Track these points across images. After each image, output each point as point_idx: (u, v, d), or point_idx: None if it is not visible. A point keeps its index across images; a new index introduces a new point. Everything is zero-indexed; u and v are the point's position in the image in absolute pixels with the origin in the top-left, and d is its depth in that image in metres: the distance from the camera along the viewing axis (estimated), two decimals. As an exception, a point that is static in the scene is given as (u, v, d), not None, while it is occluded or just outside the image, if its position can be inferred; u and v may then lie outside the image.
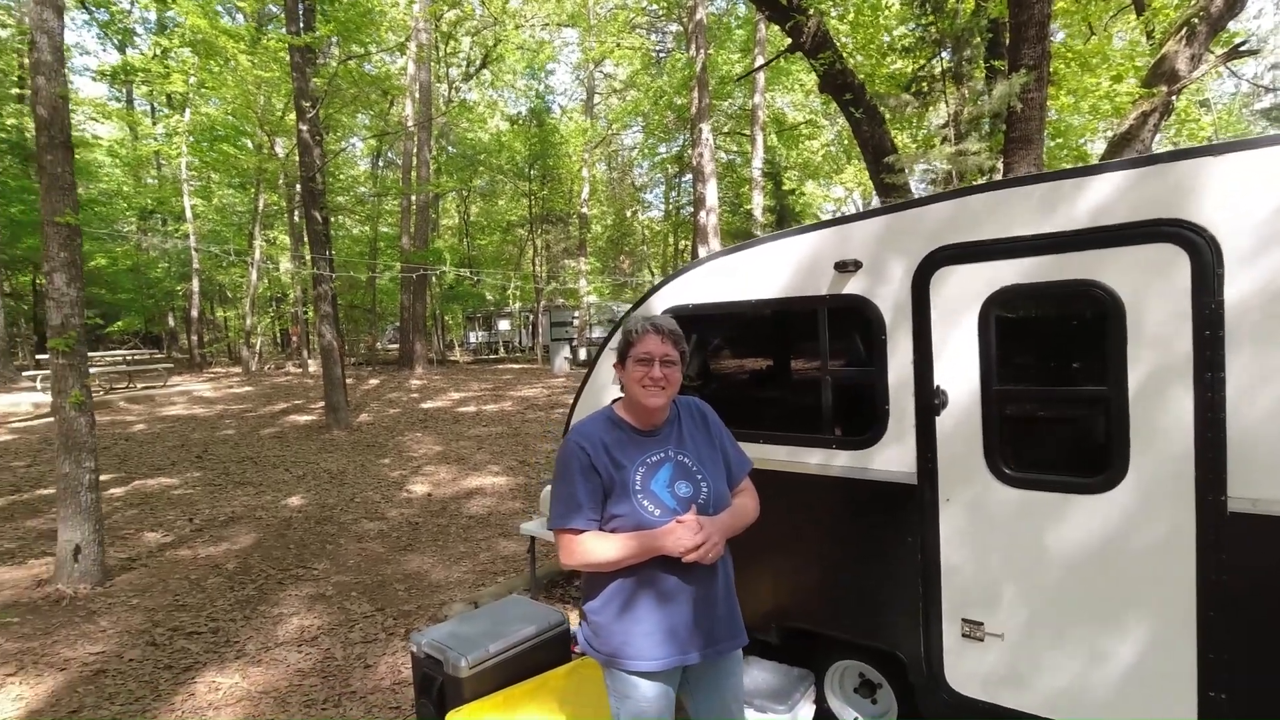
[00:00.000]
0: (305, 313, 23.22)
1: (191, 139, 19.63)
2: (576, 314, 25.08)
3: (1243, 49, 8.68)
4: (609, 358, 3.58)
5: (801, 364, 3.14)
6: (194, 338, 23.18)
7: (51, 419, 11.44)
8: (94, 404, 5.20)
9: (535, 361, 24.47)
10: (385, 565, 5.49)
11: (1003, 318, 2.42)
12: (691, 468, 2.01)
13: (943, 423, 2.53)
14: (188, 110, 20.24)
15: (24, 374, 16.15)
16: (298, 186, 19.25)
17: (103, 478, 6.05)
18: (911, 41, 9.69)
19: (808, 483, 2.90)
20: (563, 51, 30.61)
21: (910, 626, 2.64)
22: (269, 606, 4.69)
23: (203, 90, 18.86)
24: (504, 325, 32.64)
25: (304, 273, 18.30)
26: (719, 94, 22.43)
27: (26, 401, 12.97)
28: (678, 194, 31.48)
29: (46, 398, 12.89)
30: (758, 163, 19.21)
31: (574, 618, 4.08)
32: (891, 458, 2.67)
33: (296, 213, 20.53)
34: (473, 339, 33.71)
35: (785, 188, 18.70)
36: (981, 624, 2.48)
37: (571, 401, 3.86)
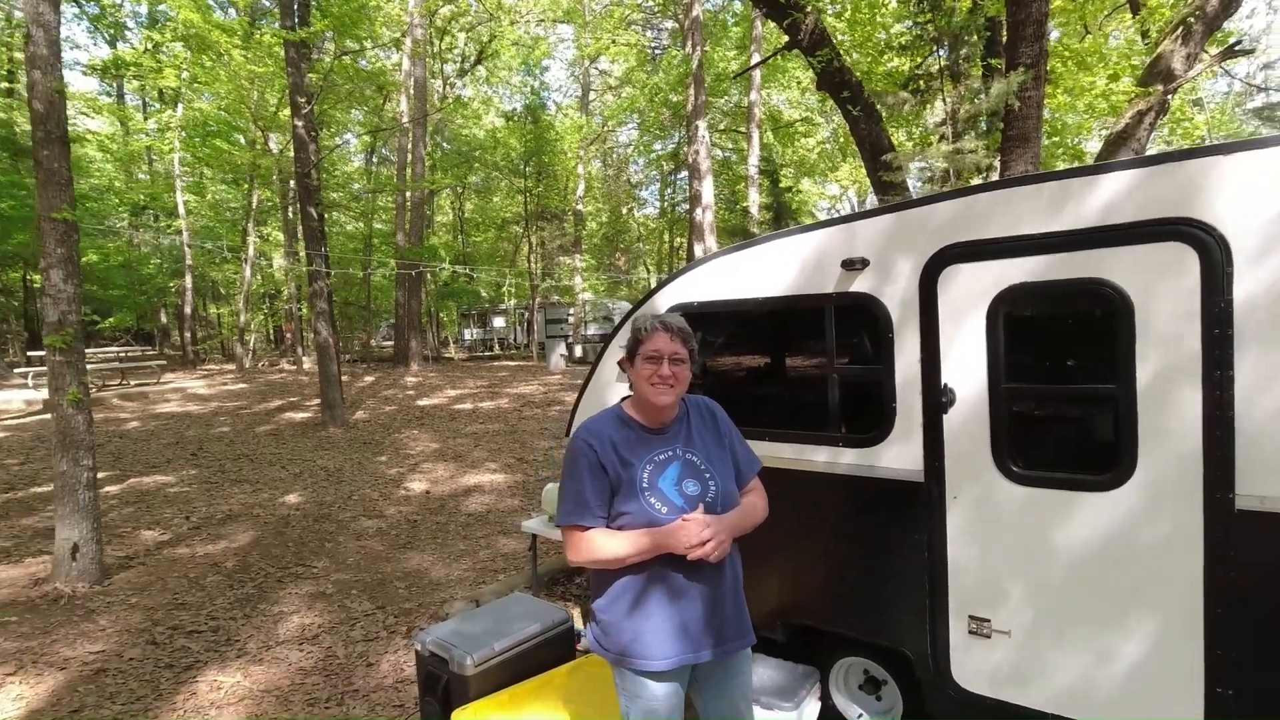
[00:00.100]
0: (299, 309, 23.11)
1: (184, 134, 19.48)
2: (571, 311, 25.04)
3: (1238, 48, 8.72)
4: (612, 356, 3.58)
5: (807, 362, 3.14)
6: (187, 334, 23.03)
7: (44, 416, 11.38)
8: (90, 401, 5.16)
9: (531, 358, 24.43)
10: (385, 563, 5.48)
11: (1011, 316, 2.42)
12: (700, 466, 2.01)
13: (950, 420, 2.54)
14: (180, 105, 20.09)
15: (15, 371, 16.03)
16: (292, 183, 19.19)
17: (98, 475, 6.01)
18: (909, 39, 9.70)
19: (814, 480, 2.90)
20: (558, 48, 30.58)
21: (917, 623, 2.65)
22: (269, 605, 4.67)
23: (195, 85, 18.72)
24: (499, 322, 32.56)
25: (299, 269, 18.23)
26: (715, 91, 22.41)
27: (18, 399, 12.87)
28: (673, 191, 31.46)
29: (38, 395, 12.80)
30: (754, 160, 19.21)
31: (577, 615, 4.08)
32: (898, 455, 2.67)
33: (290, 209, 20.45)
34: (467, 336, 33.62)
35: (782, 185, 18.70)
36: (988, 621, 2.49)
37: (574, 399, 3.85)
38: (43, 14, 4.67)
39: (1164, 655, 2.17)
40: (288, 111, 15.09)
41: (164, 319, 27.93)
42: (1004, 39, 7.63)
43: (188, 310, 22.46)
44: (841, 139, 23.51)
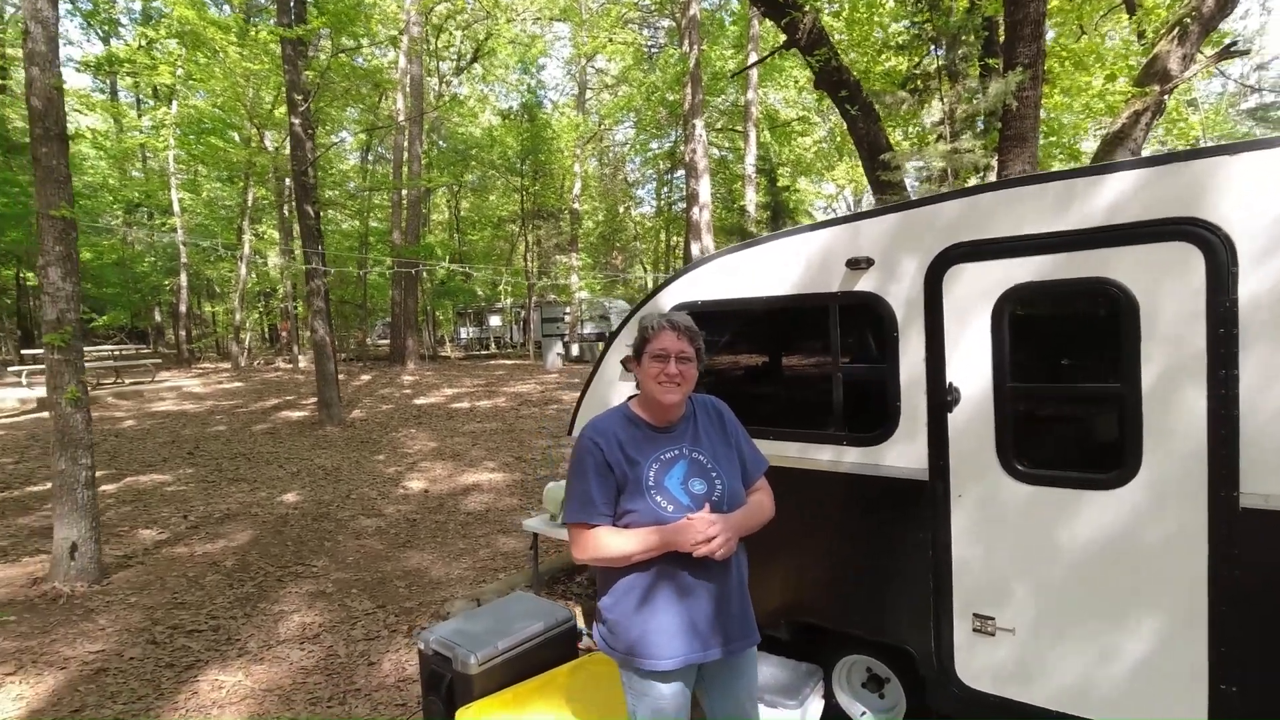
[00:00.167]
0: (295, 308, 23.02)
1: (179, 131, 19.38)
2: (568, 310, 25.01)
3: (1234, 49, 8.76)
4: (614, 355, 3.58)
5: (812, 361, 3.15)
6: (182, 333, 22.92)
7: (38, 415, 11.32)
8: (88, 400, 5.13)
9: (527, 357, 24.40)
10: (385, 562, 5.47)
11: (1016, 315, 2.43)
12: (706, 465, 2.01)
13: (955, 419, 2.55)
14: (175, 102, 19.98)
15: (9, 369, 15.93)
16: (287, 181, 19.10)
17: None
18: (907, 39, 9.72)
19: (818, 479, 2.91)
20: (554, 46, 30.50)
21: (921, 622, 2.66)
22: (269, 604, 4.66)
23: (190, 82, 18.62)
24: (495, 321, 32.50)
25: (296, 268, 18.16)
26: (712, 90, 22.41)
27: (12, 397, 12.79)
28: (669, 190, 31.46)
29: (32, 393, 12.73)
30: (751, 159, 19.22)
31: (579, 613, 4.08)
32: (903, 454, 2.68)
33: (286, 206, 20.35)
34: (463, 335, 33.55)
35: (780, 184, 18.72)
36: (993, 619, 2.50)
37: (577, 398, 3.85)
38: (41, 10, 4.64)
39: (1168, 653, 2.19)
40: (283, 109, 15.03)
41: (158, 317, 27.80)
42: (1001, 39, 7.66)
43: (183, 308, 22.35)
44: (838, 138, 23.55)
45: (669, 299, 3.34)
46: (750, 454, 2.14)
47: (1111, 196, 2.22)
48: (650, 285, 33.40)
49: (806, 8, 8.07)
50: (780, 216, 17.25)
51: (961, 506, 2.55)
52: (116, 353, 17.92)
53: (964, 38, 8.74)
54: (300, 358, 21.09)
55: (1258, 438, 2.02)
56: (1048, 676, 2.41)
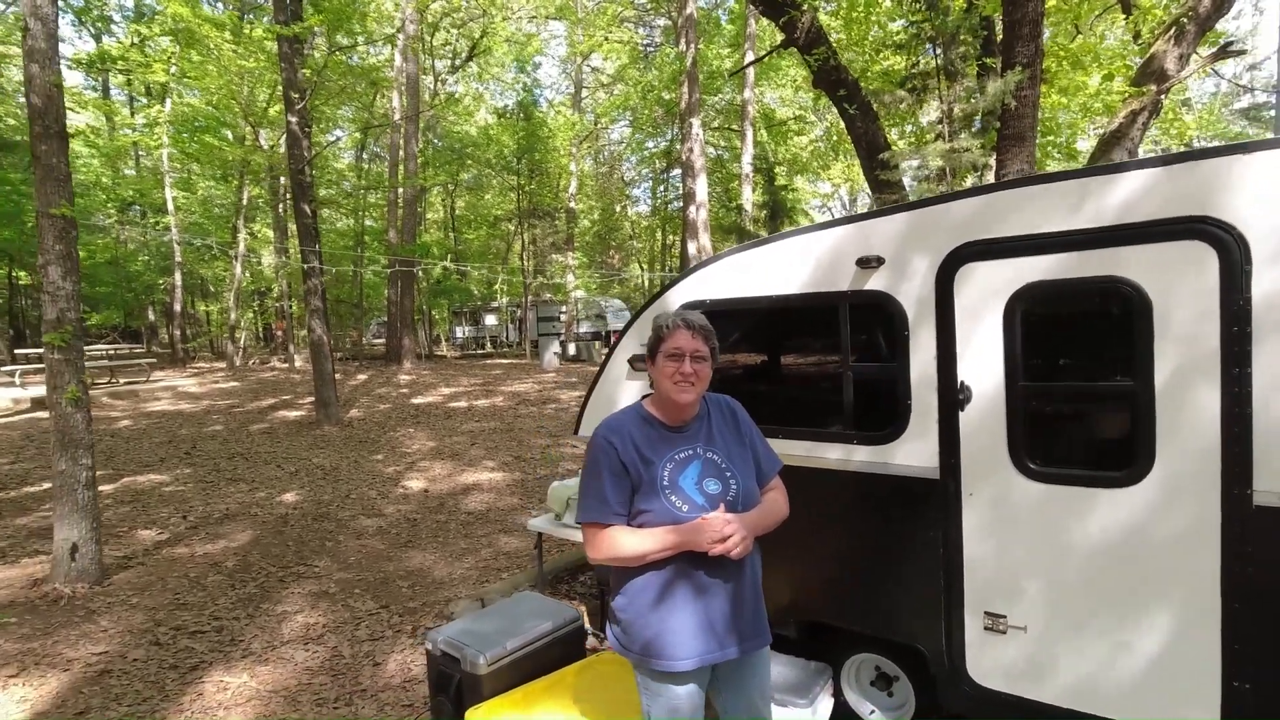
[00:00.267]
0: (290, 307, 22.92)
1: (173, 130, 19.26)
2: (564, 309, 24.98)
3: (1231, 49, 8.81)
4: (622, 353, 3.57)
5: (822, 359, 3.15)
6: (176, 332, 22.79)
7: (33, 414, 11.23)
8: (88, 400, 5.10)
9: (524, 356, 24.36)
10: (387, 562, 5.45)
11: (1028, 314, 2.43)
12: (721, 465, 2.01)
13: (966, 418, 2.55)
14: (169, 100, 19.85)
15: (2, 369, 15.80)
16: (282, 179, 19.03)
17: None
18: (905, 38, 9.73)
19: (828, 478, 2.91)
20: (550, 45, 30.43)
21: (932, 620, 2.67)
22: (272, 604, 4.64)
23: (184, 80, 18.49)
24: (491, 320, 32.42)
25: (293, 266, 18.08)
26: (708, 89, 22.41)
27: (6, 397, 12.69)
28: (666, 189, 31.45)
29: (26, 393, 12.64)
30: (748, 158, 19.23)
31: (585, 613, 4.07)
32: (913, 452, 2.68)
33: (281, 205, 20.27)
34: (459, 334, 33.46)
35: (778, 183, 18.74)
36: (1004, 617, 2.51)
37: (584, 396, 3.84)
38: (41, 7, 4.60)
39: (1181, 650, 2.20)
40: (278, 107, 14.96)
41: (151, 316, 27.63)
42: (999, 38, 7.68)
43: (177, 308, 22.21)
44: (834, 137, 23.59)
45: (678, 297, 3.34)
46: (765, 453, 2.14)
47: (1124, 195, 2.23)
48: (646, 284, 33.41)
49: (805, 6, 8.08)
50: (778, 215, 17.27)
51: (973, 505, 2.55)
52: (111, 352, 17.80)
53: (962, 37, 8.76)
54: (296, 357, 21.00)
55: (1271, 435, 2.03)
56: (1060, 674, 2.41)
